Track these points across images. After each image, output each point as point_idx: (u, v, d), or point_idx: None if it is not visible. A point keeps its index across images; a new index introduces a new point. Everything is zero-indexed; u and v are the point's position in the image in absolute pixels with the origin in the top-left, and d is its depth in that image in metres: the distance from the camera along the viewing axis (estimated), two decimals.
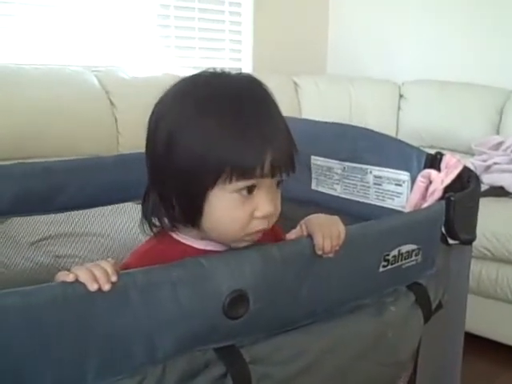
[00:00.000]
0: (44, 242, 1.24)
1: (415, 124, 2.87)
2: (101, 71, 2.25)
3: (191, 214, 0.75)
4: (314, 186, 1.32)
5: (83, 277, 0.60)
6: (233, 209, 0.74)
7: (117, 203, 1.22)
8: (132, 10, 2.52)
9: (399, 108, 2.96)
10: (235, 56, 3.02)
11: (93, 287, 0.59)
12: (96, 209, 1.21)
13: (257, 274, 0.71)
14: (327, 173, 1.28)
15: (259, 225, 0.75)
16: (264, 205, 0.75)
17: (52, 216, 1.17)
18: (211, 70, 0.78)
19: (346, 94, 2.98)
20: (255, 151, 0.72)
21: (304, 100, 2.92)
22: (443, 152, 1.11)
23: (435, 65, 3.03)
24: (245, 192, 0.73)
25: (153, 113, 0.78)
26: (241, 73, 0.80)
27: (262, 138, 0.73)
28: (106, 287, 0.60)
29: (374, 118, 2.84)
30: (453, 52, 2.98)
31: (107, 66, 2.36)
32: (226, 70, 0.79)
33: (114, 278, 0.61)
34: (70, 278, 0.59)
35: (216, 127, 0.72)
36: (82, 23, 2.35)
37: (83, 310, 0.59)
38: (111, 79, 2.25)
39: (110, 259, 0.65)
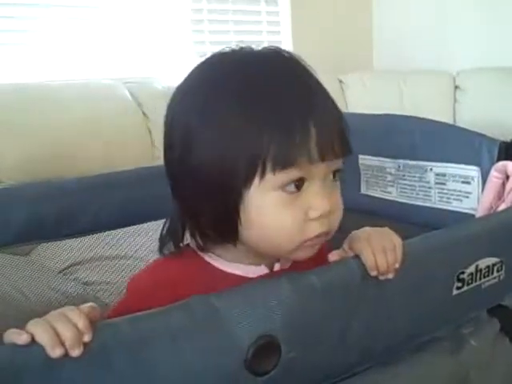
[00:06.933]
0: (71, 269, 1.19)
1: (475, 117, 2.70)
2: (133, 83, 2.28)
3: (226, 225, 0.60)
4: (363, 190, 1.21)
5: (41, 337, 0.44)
6: (278, 211, 0.59)
7: (143, 221, 1.15)
8: (164, 15, 2.51)
9: (455, 100, 2.83)
10: None
11: (54, 353, 0.43)
12: (121, 229, 1.15)
13: (290, 313, 0.56)
14: (379, 174, 1.18)
15: (318, 228, 0.60)
16: (317, 201, 0.59)
17: (77, 240, 1.12)
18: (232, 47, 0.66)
19: (396, 90, 2.88)
20: (293, 128, 0.57)
21: (351, 99, 2.82)
22: None
23: (494, 50, 2.85)
24: (291, 187, 0.59)
25: (168, 110, 0.66)
26: (267, 46, 0.67)
27: (300, 111, 0.58)
28: (76, 352, 0.44)
29: (428, 113, 2.66)
30: None
31: (139, 77, 2.39)
32: (247, 46, 0.66)
33: (86, 338, 0.45)
34: (23, 339, 0.43)
35: (237, 108, 0.58)
36: (113, 35, 2.38)
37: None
38: (143, 91, 2.27)
39: (90, 304, 0.49)
